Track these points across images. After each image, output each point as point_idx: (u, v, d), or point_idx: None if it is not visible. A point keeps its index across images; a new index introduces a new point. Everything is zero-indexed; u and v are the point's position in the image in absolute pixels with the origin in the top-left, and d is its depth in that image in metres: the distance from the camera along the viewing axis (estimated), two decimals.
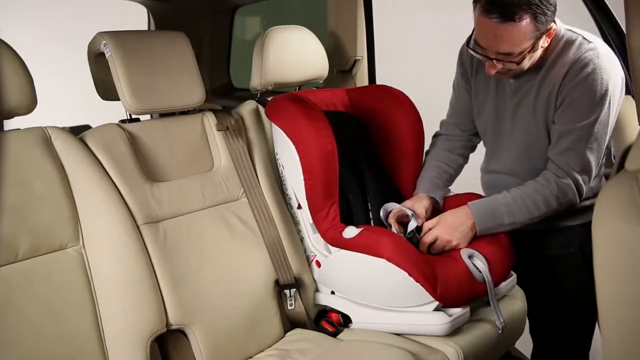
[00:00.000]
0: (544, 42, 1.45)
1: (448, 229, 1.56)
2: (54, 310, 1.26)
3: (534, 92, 1.54)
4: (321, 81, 2.02)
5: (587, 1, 1.78)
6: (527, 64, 1.47)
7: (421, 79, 1.86)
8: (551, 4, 1.39)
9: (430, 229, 1.59)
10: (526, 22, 1.37)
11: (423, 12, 2.56)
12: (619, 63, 1.49)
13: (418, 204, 1.67)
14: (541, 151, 1.56)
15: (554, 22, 1.48)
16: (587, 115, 1.45)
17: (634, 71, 0.86)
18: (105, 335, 1.31)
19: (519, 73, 1.52)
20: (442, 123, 1.82)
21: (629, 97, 1.65)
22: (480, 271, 1.50)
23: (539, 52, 1.47)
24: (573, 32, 1.51)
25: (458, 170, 1.80)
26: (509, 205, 1.52)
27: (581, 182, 1.50)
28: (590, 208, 1.64)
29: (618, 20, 1.77)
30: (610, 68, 1.45)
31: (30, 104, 1.34)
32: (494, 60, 1.46)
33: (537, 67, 1.52)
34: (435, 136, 1.84)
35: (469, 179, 1.87)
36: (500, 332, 1.50)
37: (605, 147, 1.51)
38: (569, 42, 1.49)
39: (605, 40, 1.79)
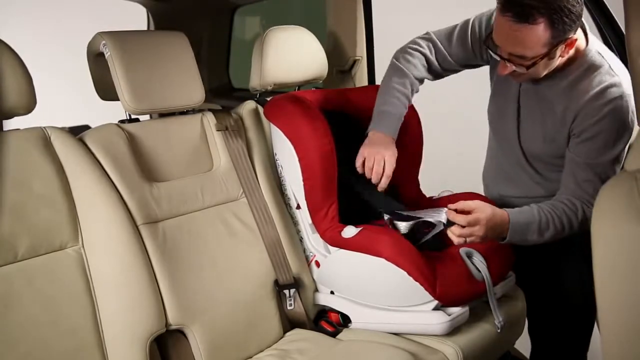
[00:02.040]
0: (563, 52, 1.40)
1: (488, 230, 1.40)
2: (54, 310, 1.26)
3: (544, 102, 1.51)
4: (320, 81, 2.02)
5: (587, 1, 1.78)
6: (541, 71, 1.43)
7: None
8: (572, 13, 1.32)
9: (476, 221, 1.41)
10: (542, 26, 1.32)
11: (423, 11, 2.56)
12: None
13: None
14: (544, 158, 1.57)
15: (585, 34, 1.45)
16: (607, 152, 1.43)
17: (633, 71, 0.86)
18: (105, 335, 1.31)
19: (535, 80, 1.48)
20: (429, 40, 1.70)
21: None
22: (479, 270, 1.50)
23: (556, 61, 1.42)
24: (602, 56, 1.46)
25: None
26: (542, 224, 1.45)
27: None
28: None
29: (617, 21, 1.77)
30: (629, 106, 1.41)
31: (30, 104, 1.34)
32: (507, 61, 1.42)
33: (557, 80, 1.48)
34: (416, 48, 1.70)
35: (470, 177, 1.87)
36: (499, 331, 1.50)
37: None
38: (595, 67, 1.44)
39: (605, 40, 1.79)
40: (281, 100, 1.71)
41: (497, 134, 1.70)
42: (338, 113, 1.81)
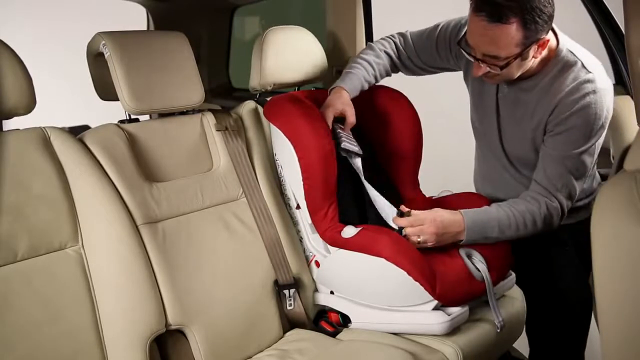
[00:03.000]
0: (536, 53, 1.43)
1: (437, 228, 1.50)
2: (53, 311, 1.26)
3: (521, 105, 1.54)
4: (320, 81, 2.02)
5: (586, 2, 1.78)
6: (515, 72, 1.45)
7: (420, 79, 1.85)
8: (544, 13, 1.35)
9: (420, 221, 1.52)
10: (514, 26, 1.34)
11: (423, 11, 2.56)
12: (611, 95, 1.48)
13: (349, 109, 1.66)
14: (527, 161, 1.60)
15: (555, 34, 1.48)
16: (579, 145, 1.46)
17: (633, 71, 0.86)
18: (105, 335, 1.31)
19: (509, 81, 1.51)
20: (403, 35, 1.79)
21: (628, 97, 1.66)
22: (479, 270, 1.50)
23: (529, 62, 1.45)
24: (574, 54, 1.48)
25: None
26: (501, 221, 1.51)
27: (565, 206, 1.52)
28: (583, 208, 1.68)
29: (617, 21, 1.77)
30: (605, 102, 1.44)
31: (30, 104, 1.34)
32: (480, 62, 1.45)
33: (532, 82, 1.51)
34: (389, 39, 1.80)
35: (470, 177, 1.87)
36: (499, 331, 1.50)
37: (590, 173, 1.53)
38: (568, 66, 1.47)
39: (604, 40, 1.80)
40: (281, 100, 1.71)
41: (481, 140, 1.75)
42: None
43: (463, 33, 1.49)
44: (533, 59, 1.44)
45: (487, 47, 1.40)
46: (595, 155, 1.50)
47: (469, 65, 1.60)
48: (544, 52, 1.45)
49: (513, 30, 1.35)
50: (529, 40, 1.37)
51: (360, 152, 1.67)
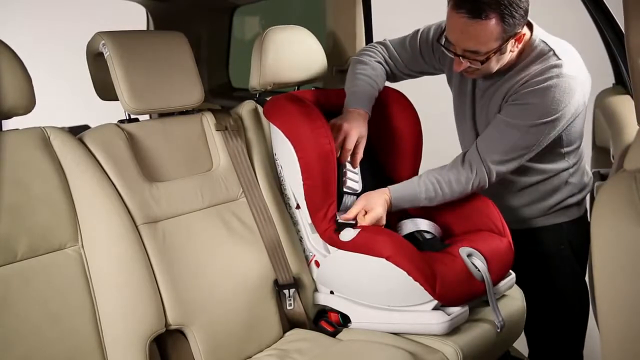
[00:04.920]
0: (513, 47, 1.47)
1: (368, 198, 1.59)
2: (53, 311, 1.26)
3: (493, 95, 1.58)
4: (320, 81, 2.01)
5: (586, 1, 1.78)
6: (494, 66, 1.50)
7: (419, 78, 1.86)
8: (520, 8, 1.40)
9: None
10: (493, 22, 1.39)
11: (422, 11, 2.56)
12: (582, 87, 1.50)
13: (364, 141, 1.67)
14: None
15: (530, 28, 1.52)
16: (528, 120, 1.48)
17: (633, 71, 0.86)
18: (104, 335, 1.31)
19: (486, 75, 1.55)
20: (383, 44, 1.81)
21: (628, 97, 1.66)
22: (479, 270, 1.50)
23: (507, 56, 1.49)
24: (547, 44, 1.52)
25: None
26: (428, 192, 1.58)
27: (494, 172, 1.54)
28: (575, 205, 1.68)
29: (617, 20, 1.77)
30: (569, 89, 1.46)
31: (29, 104, 1.34)
32: (461, 58, 1.48)
33: (504, 73, 1.55)
34: (372, 49, 1.81)
35: None
36: (499, 331, 1.50)
37: (529, 155, 1.53)
38: (540, 55, 1.51)
39: (604, 39, 1.79)
40: (281, 100, 1.71)
41: (461, 137, 1.77)
42: (337, 113, 1.81)
43: (443, 30, 1.54)
44: (510, 53, 1.49)
45: (467, 43, 1.45)
46: (543, 142, 1.51)
47: (452, 68, 1.62)
48: (520, 46, 1.50)
49: (492, 26, 1.40)
50: (507, 35, 1.43)
51: (360, 189, 1.68)
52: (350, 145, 1.62)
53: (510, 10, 1.39)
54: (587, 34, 1.62)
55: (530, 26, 1.53)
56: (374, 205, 1.56)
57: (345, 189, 1.65)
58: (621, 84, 1.94)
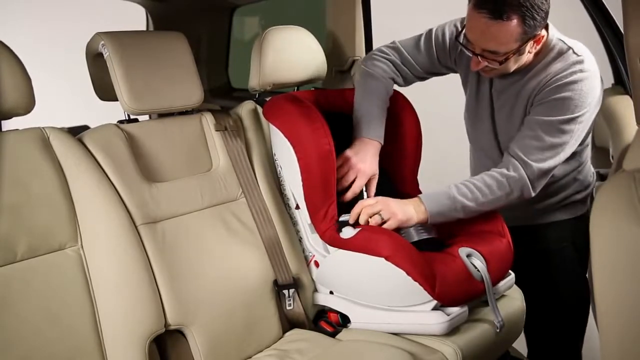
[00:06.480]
0: (531, 48, 1.47)
1: (389, 203, 1.51)
2: (53, 311, 1.25)
3: (514, 96, 1.56)
4: (320, 81, 2.02)
5: (586, 1, 1.79)
6: (512, 66, 1.49)
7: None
8: (542, 10, 1.40)
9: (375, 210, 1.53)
10: (514, 23, 1.38)
11: (422, 11, 2.56)
12: (600, 83, 1.51)
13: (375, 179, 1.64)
14: None
15: (547, 29, 1.51)
16: (558, 115, 1.46)
17: (632, 71, 0.86)
18: (104, 335, 1.31)
19: (504, 75, 1.54)
20: (395, 48, 1.76)
21: (627, 97, 1.66)
22: (478, 270, 1.50)
23: (525, 57, 1.49)
24: (564, 43, 1.52)
25: None
26: (460, 188, 1.50)
27: (536, 174, 1.48)
28: (580, 202, 1.68)
29: (616, 20, 1.77)
30: (592, 84, 1.47)
31: (29, 104, 1.34)
32: (479, 57, 1.48)
33: (523, 73, 1.54)
34: (383, 55, 1.76)
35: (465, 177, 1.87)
36: (498, 331, 1.50)
37: (565, 153, 1.50)
38: (560, 53, 1.51)
39: (603, 40, 1.80)
40: (280, 101, 1.71)
41: (475, 138, 1.76)
42: (337, 113, 1.81)
43: (462, 29, 1.52)
44: (528, 54, 1.49)
45: (487, 43, 1.44)
46: (578, 131, 1.49)
47: (468, 70, 1.62)
48: (538, 47, 1.50)
49: (513, 27, 1.39)
50: (527, 36, 1.42)
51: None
52: (358, 188, 1.60)
53: (531, 12, 1.38)
54: (587, 34, 1.62)
55: (546, 26, 1.52)
56: (391, 215, 1.50)
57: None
58: (620, 84, 1.94)
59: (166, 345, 1.40)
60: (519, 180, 1.48)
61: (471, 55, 1.50)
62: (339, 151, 1.63)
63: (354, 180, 1.62)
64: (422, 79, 1.79)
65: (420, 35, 1.74)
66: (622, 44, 1.78)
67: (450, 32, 1.68)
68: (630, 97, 1.69)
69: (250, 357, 1.49)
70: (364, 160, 1.62)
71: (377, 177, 1.65)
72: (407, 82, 1.79)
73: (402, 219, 1.50)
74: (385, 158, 1.81)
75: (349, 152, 1.63)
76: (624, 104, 1.72)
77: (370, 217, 1.52)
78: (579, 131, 1.49)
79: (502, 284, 1.61)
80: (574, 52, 1.50)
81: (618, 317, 0.83)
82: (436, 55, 1.71)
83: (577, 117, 1.46)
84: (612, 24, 1.81)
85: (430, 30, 1.72)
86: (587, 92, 1.46)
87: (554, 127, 1.47)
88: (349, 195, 1.63)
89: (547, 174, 1.51)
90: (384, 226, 1.51)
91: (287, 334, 1.57)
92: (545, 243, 1.67)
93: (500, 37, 1.41)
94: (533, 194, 1.51)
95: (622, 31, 1.01)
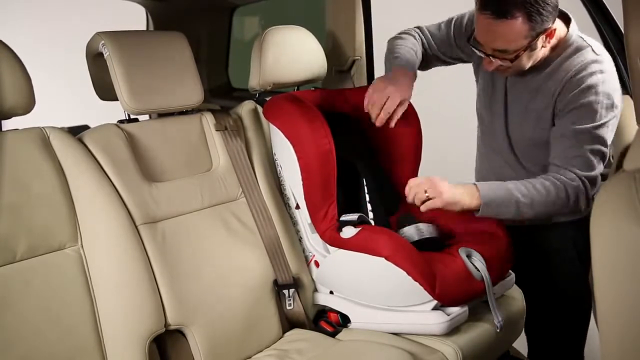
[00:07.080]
0: (545, 42, 1.46)
1: (438, 185, 1.45)
2: (53, 311, 1.26)
3: (532, 91, 1.55)
4: (320, 81, 2.02)
5: (586, 1, 1.78)
6: (526, 63, 1.48)
7: (419, 79, 1.85)
8: (548, 4, 1.39)
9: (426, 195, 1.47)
10: (519, 20, 1.38)
11: (422, 11, 2.56)
12: (618, 82, 1.50)
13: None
14: (530, 150, 1.59)
15: (567, 24, 1.50)
16: (590, 121, 1.45)
17: (632, 70, 0.86)
18: (104, 335, 1.31)
19: (520, 73, 1.53)
20: (419, 28, 1.78)
21: (627, 97, 1.65)
22: (478, 270, 1.50)
23: (540, 52, 1.48)
24: (584, 40, 1.51)
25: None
26: (519, 186, 1.46)
27: (587, 182, 1.47)
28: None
29: (616, 20, 1.77)
30: (612, 83, 1.47)
31: (29, 104, 1.34)
32: (491, 57, 1.47)
33: (541, 69, 1.53)
34: (407, 32, 1.78)
35: (470, 176, 1.87)
36: (498, 331, 1.50)
37: (607, 152, 1.50)
38: (577, 50, 1.50)
39: (603, 39, 1.80)
40: (280, 100, 1.71)
41: (486, 132, 1.74)
42: (337, 113, 1.81)
43: (472, 30, 1.52)
44: (542, 49, 1.48)
45: (495, 43, 1.44)
46: (610, 133, 1.48)
47: (480, 58, 1.61)
48: (553, 41, 1.48)
49: (519, 24, 1.39)
50: (535, 32, 1.41)
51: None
52: (390, 108, 1.56)
53: (536, 8, 1.37)
54: (587, 33, 1.62)
55: (568, 21, 1.52)
56: (437, 195, 1.44)
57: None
58: (620, 84, 1.94)
59: (166, 345, 1.40)
60: (576, 187, 1.46)
61: (483, 56, 1.50)
62: (338, 150, 1.63)
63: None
64: (443, 62, 1.79)
65: (442, 22, 1.76)
66: (622, 43, 1.78)
67: (468, 21, 1.69)
68: (630, 96, 1.69)
69: (250, 357, 1.49)
70: (395, 83, 1.59)
71: (407, 103, 1.60)
72: (427, 62, 1.78)
73: (448, 200, 1.44)
74: (385, 158, 1.82)
75: (378, 78, 1.62)
76: (624, 104, 1.71)
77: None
78: (612, 127, 1.49)
79: (503, 283, 1.61)
80: (592, 50, 1.49)
81: (618, 317, 0.83)
82: (454, 41, 1.72)
83: (608, 121, 1.46)
84: (612, 23, 1.81)
85: (450, 18, 1.75)
86: (609, 92, 1.45)
87: (590, 134, 1.46)
88: (381, 117, 1.57)
89: (596, 181, 1.49)
90: (428, 203, 1.45)
91: (287, 333, 1.57)
92: (546, 244, 1.67)
93: (507, 35, 1.41)
94: (587, 204, 1.48)
95: (622, 30, 1.01)
